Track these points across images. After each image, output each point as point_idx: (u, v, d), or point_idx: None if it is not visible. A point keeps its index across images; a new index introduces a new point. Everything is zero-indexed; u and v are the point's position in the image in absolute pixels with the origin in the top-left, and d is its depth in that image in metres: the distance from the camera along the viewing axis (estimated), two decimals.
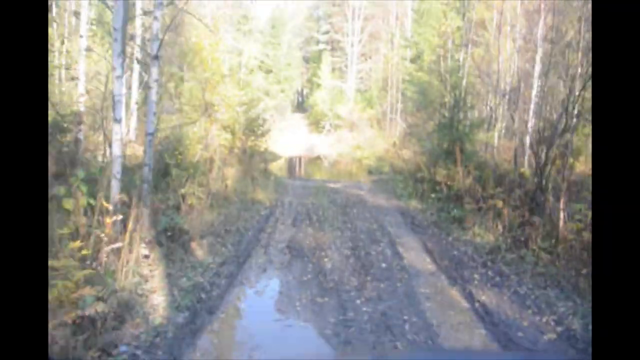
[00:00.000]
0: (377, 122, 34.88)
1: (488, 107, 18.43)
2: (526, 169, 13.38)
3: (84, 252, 5.24)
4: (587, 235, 6.99)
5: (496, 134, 15.76)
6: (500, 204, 9.89)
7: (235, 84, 38.38)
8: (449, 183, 13.08)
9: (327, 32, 52.14)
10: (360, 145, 32.50)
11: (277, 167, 30.55)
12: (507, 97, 16.34)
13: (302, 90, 66.23)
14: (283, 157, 32.98)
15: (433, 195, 13.62)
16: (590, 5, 8.88)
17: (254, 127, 18.46)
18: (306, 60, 59.81)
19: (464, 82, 17.50)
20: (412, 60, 37.40)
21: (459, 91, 15.46)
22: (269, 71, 36.69)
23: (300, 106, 59.77)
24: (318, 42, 53.29)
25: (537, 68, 17.99)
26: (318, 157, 34.70)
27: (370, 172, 26.24)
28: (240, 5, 42.33)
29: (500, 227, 9.70)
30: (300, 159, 33.97)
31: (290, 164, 33.05)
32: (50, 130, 9.39)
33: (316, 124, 42.97)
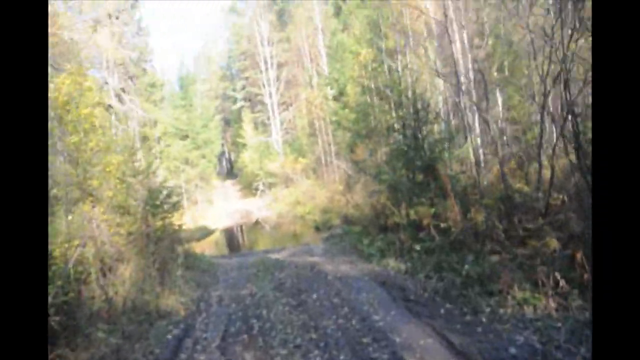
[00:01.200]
0: (313, 171, 30.84)
1: (452, 114, 14.70)
2: (522, 185, 9.58)
3: None
4: None
5: (471, 148, 11.80)
6: (554, 243, 5.72)
7: (149, 156, 33.74)
8: (439, 224, 8.84)
9: (243, 88, 48.58)
10: (300, 200, 28.23)
11: (210, 243, 25.66)
12: (473, 96, 12.70)
13: (229, 156, 62.04)
14: (217, 230, 28.12)
15: (418, 247, 9.28)
16: None
17: (157, 202, 13.76)
18: (227, 122, 55.93)
19: (409, 92, 13.70)
20: (336, 98, 34.16)
21: (412, 101, 11.54)
22: (184, 137, 32.13)
23: (230, 172, 55.34)
24: (236, 100, 49.58)
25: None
26: (256, 223, 30.04)
27: (317, 229, 21.92)
28: (144, 74, 38.18)
29: (566, 285, 5.51)
30: (236, 229, 29.20)
31: (228, 237, 28.18)
32: None
33: (248, 187, 38.54)
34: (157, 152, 32.14)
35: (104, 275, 9.89)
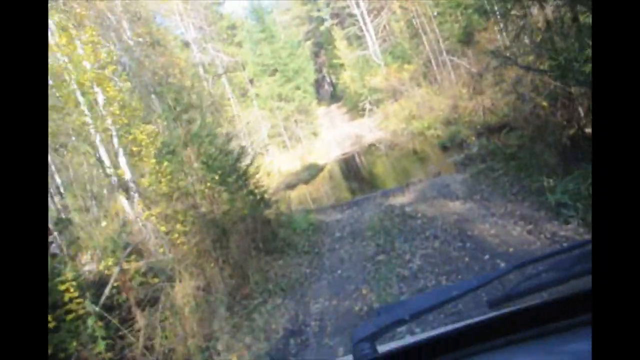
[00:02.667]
0: (424, 76, 25.31)
1: None
2: None
3: None
4: None
5: None
6: None
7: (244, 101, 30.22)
8: None
9: (327, 5, 42.95)
10: (415, 114, 23.17)
11: (321, 182, 21.82)
12: None
13: (330, 79, 57.40)
14: (327, 165, 24.13)
15: None
16: None
17: (236, 168, 9.95)
18: (320, 45, 50.94)
19: None
20: None
21: None
22: (273, 71, 27.92)
23: (334, 96, 50.88)
24: (323, 21, 44.19)
25: None
26: (372, 146, 25.55)
27: (444, 148, 16.99)
28: (220, 18, 34.19)
29: None
30: (349, 158, 24.96)
31: (341, 169, 24.13)
32: None
33: (354, 108, 33.90)
34: (253, 95, 28.48)
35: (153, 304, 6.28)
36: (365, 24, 32.95)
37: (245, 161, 10.77)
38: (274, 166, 23.32)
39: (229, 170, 9.24)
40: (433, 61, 25.75)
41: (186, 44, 31.42)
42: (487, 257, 5.90)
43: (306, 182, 21.30)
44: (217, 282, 6.68)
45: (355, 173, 22.03)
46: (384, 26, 34.04)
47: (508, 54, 10.58)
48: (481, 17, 27.10)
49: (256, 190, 9.77)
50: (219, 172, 8.74)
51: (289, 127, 26.68)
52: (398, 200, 11.23)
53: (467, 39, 26.11)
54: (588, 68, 9.02)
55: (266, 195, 10.74)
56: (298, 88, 28.20)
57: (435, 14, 26.46)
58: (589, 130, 8.85)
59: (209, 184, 8.62)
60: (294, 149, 25.87)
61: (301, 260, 8.17)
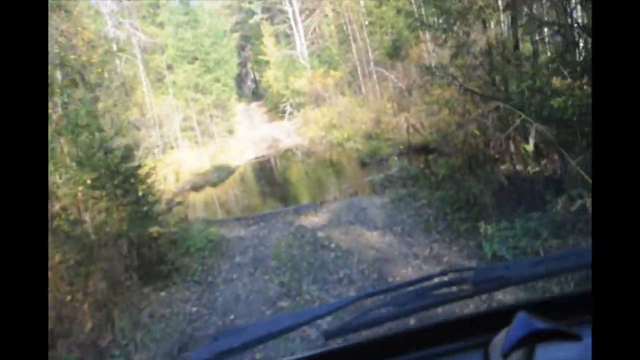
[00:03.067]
0: (349, 85, 24.43)
1: None
2: None
3: None
4: None
5: None
6: None
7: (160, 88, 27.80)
8: None
9: None
10: (335, 123, 22.16)
11: (231, 186, 20.21)
12: None
13: (253, 76, 55.55)
14: (239, 168, 22.51)
15: None
16: None
17: (120, 169, 8.17)
18: (247, 39, 49.03)
19: None
20: None
21: None
22: (193, 59, 25.84)
23: (256, 93, 49.15)
24: (253, 14, 42.44)
25: None
26: (289, 151, 24.22)
27: (363, 164, 16.06)
28: None
29: None
30: (263, 162, 23.46)
31: (253, 173, 22.59)
32: None
33: (275, 109, 32.48)
34: (170, 82, 26.21)
35: None
36: (295, 22, 31.68)
37: (136, 161, 9.07)
38: (181, 163, 21.36)
39: (112, 171, 7.52)
40: (360, 71, 24.96)
41: (99, 14, 28.48)
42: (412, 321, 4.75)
43: (214, 184, 19.59)
44: (69, 325, 5.05)
45: (268, 179, 20.61)
46: (315, 28, 32.97)
47: (443, 73, 9.69)
48: (412, 33, 26.87)
49: (144, 200, 8.08)
50: (95, 173, 7.04)
51: (202, 121, 24.73)
52: (310, 220, 10.00)
53: (395, 52, 25.61)
54: (527, 99, 8.30)
55: (158, 206, 9.06)
56: (218, 80, 26.31)
57: (367, 23, 25.71)
58: (520, 167, 8.10)
59: (81, 188, 6.90)
60: (205, 145, 23.96)
61: (189, 294, 6.64)
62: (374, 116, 18.90)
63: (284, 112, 30.15)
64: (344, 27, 28.72)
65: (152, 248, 7.28)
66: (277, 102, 31.70)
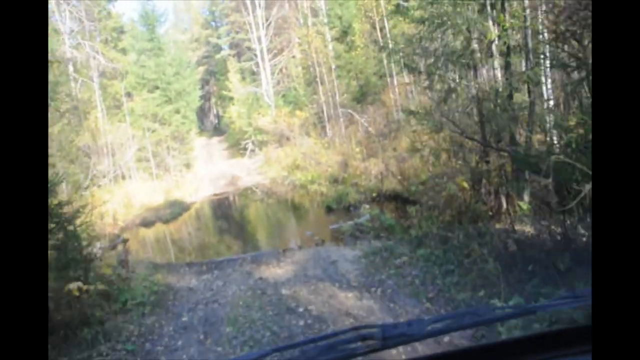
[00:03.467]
0: (314, 126, 23.47)
1: None
2: None
3: None
4: None
5: None
6: None
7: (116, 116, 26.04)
8: None
9: (228, 34, 40.57)
10: (299, 164, 21.03)
11: (182, 223, 18.60)
12: None
13: (216, 111, 54.32)
14: (194, 205, 20.91)
15: None
16: None
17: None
18: (212, 74, 48.01)
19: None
20: (339, 39, 26.66)
21: None
22: (154, 88, 24.40)
23: (218, 129, 47.81)
24: (220, 49, 41.62)
25: None
26: (247, 190, 22.80)
27: (329, 209, 14.91)
28: (108, 17, 29.85)
29: None
30: (222, 200, 21.92)
31: (209, 211, 21.01)
32: None
33: (236, 146, 31.16)
34: (128, 110, 24.56)
35: None
36: (263, 60, 30.82)
37: (65, 195, 7.57)
38: (132, 196, 19.62)
39: None
40: (326, 113, 24.12)
41: (57, 32, 26.78)
42: None
43: (166, 221, 17.93)
44: None
45: (225, 218, 19.07)
46: (282, 68, 32.21)
47: (428, 118, 8.74)
48: (380, 80, 26.41)
49: (70, 243, 6.54)
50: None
51: (159, 153, 23.11)
52: (272, 272, 8.64)
53: (362, 97, 25.02)
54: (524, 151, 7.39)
55: (92, 249, 7.50)
56: (178, 112, 24.87)
57: (335, 66, 25.09)
58: (519, 227, 7.08)
59: None
60: (160, 178, 22.29)
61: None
62: (340, 159, 17.90)
63: (245, 149, 28.87)
64: (311, 69, 28.10)
65: (74, 305, 5.73)
66: (239, 138, 30.44)
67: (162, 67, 24.36)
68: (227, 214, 19.36)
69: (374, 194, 14.48)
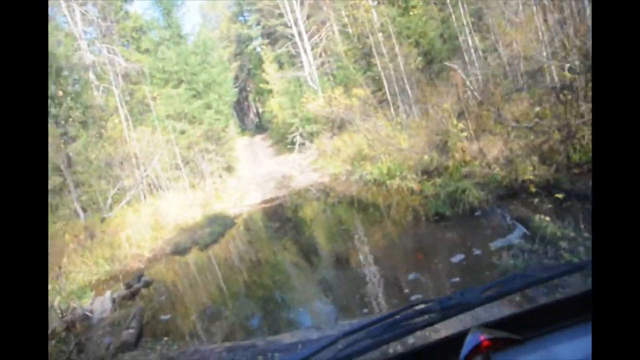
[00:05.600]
0: (378, 106, 17.74)
1: None
2: None
3: None
4: None
5: None
6: None
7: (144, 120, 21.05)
8: None
9: (258, 23, 35.25)
10: (367, 153, 15.46)
11: (225, 248, 13.42)
12: None
13: (256, 109, 49.31)
14: (240, 217, 15.67)
15: None
16: None
17: None
18: (248, 72, 42.95)
19: None
20: (390, 1, 21.05)
21: None
22: (178, 82, 19.27)
23: (260, 127, 42.73)
24: (251, 39, 36.46)
25: None
26: (305, 192, 17.44)
27: (439, 216, 9.27)
28: (126, 17, 24.94)
29: None
30: (275, 208, 16.46)
31: (266, 223, 15.69)
32: None
33: (282, 141, 25.92)
34: (155, 115, 19.57)
35: None
36: (302, 40, 25.24)
37: None
38: (161, 214, 14.59)
39: None
40: (387, 89, 18.41)
41: (72, 38, 22.10)
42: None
43: (204, 245, 12.76)
44: None
45: (286, 233, 13.58)
46: (324, 49, 26.59)
47: None
48: (446, 44, 20.58)
49: None
50: None
51: (191, 158, 17.94)
52: None
53: (427, 65, 19.26)
54: None
55: None
56: (209, 107, 19.70)
57: (392, 32, 19.33)
58: None
59: None
60: (195, 189, 17.14)
61: None
62: (430, 141, 12.18)
63: (293, 143, 23.55)
64: (360, 42, 22.53)
65: None
66: (284, 132, 25.17)
67: (184, 56, 19.21)
68: (286, 228, 13.97)
69: (504, 186, 8.89)
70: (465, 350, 1.06)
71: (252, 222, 15.31)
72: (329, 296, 7.94)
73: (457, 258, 7.10)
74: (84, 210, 17.81)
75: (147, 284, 10.46)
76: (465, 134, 10.67)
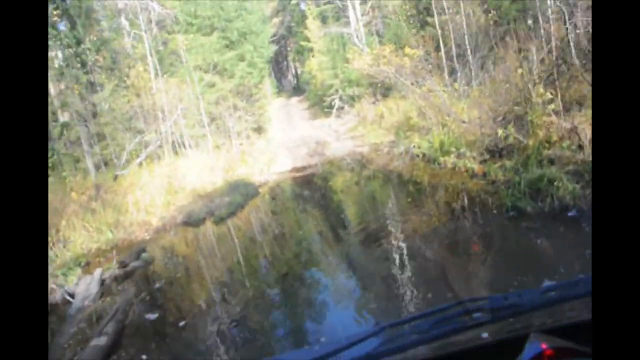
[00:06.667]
0: (437, 67, 15.13)
1: None
2: None
3: None
4: None
5: None
6: None
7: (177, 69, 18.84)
8: None
9: None
10: (416, 123, 13.08)
11: (248, 218, 11.53)
12: None
13: (295, 71, 46.82)
14: (266, 185, 13.68)
15: None
16: None
17: None
18: (289, 30, 40.37)
19: None
20: None
21: None
22: (211, 30, 17.08)
23: (297, 89, 40.36)
24: None
25: None
26: (340, 162, 15.28)
27: (518, 210, 6.89)
28: None
29: None
30: (306, 178, 14.33)
31: (294, 195, 13.70)
32: None
33: (319, 104, 23.62)
34: (179, 61, 17.56)
35: None
36: None
37: None
38: (177, 177, 12.76)
39: None
40: (444, 52, 15.73)
41: None
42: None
43: (220, 218, 10.85)
44: None
45: (318, 208, 11.51)
46: (372, 7, 23.75)
47: None
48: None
49: None
50: None
51: (219, 114, 15.89)
52: None
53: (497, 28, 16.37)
54: None
55: None
56: (242, 59, 17.47)
57: None
58: None
59: None
60: (220, 149, 15.16)
61: None
62: (498, 111, 9.71)
63: (331, 107, 21.24)
64: None
65: None
66: (322, 95, 22.83)
67: (218, 1, 16.87)
68: (316, 201, 11.86)
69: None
70: (524, 358, 0.97)
71: (278, 195, 13.26)
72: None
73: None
74: (106, 164, 16.32)
75: (147, 263, 8.65)
76: (552, 106, 8.18)
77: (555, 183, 6.74)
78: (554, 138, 7.90)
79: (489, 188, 8.15)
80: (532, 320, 1.36)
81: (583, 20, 11.08)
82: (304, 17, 29.76)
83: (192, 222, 10.90)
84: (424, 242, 7.34)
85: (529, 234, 6.13)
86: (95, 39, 18.72)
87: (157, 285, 7.94)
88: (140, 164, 14.38)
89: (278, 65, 46.11)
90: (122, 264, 8.30)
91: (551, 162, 7.52)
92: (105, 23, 22.55)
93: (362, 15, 22.49)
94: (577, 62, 8.63)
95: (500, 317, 1.10)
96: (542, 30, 10.99)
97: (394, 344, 1.10)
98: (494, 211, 7.12)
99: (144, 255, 8.90)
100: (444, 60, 15.77)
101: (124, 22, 20.63)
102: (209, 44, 16.46)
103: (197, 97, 15.15)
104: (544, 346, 0.97)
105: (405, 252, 6.98)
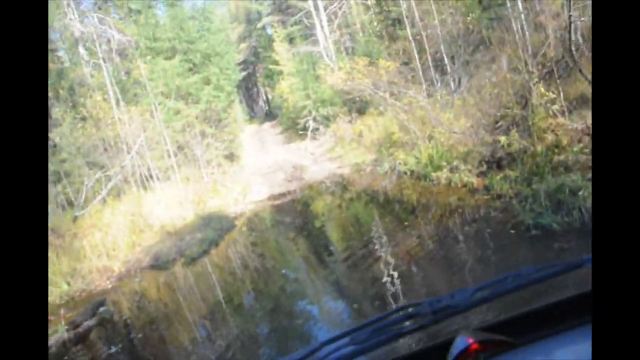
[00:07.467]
0: (415, 78, 14.21)
1: None
2: None
3: None
4: None
5: None
6: None
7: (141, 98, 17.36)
8: None
9: None
10: (398, 138, 12.06)
11: (223, 256, 10.15)
12: None
13: (265, 96, 45.87)
14: (242, 217, 12.36)
15: None
16: None
17: None
18: (257, 55, 39.55)
19: None
20: None
21: None
22: (173, 52, 15.88)
23: (269, 114, 39.29)
24: (260, 16, 32.97)
25: None
26: (319, 186, 14.11)
27: (536, 230, 5.76)
28: None
29: None
30: (285, 206, 13.05)
31: (274, 224, 12.42)
32: None
33: (293, 127, 22.51)
34: (135, 86, 16.29)
35: None
36: (317, 10, 21.67)
37: None
38: (143, 214, 11.37)
39: None
40: (419, 61, 14.88)
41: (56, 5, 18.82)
42: None
43: (191, 259, 9.47)
44: None
45: (295, 240, 10.27)
46: (339, 24, 23.01)
47: None
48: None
49: None
50: None
51: (185, 143, 14.57)
52: None
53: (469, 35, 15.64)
54: None
55: None
56: (207, 82, 16.28)
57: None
58: None
59: None
60: (188, 182, 13.78)
61: None
62: (489, 120, 8.74)
63: (305, 129, 20.14)
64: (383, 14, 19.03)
65: None
66: (295, 117, 21.76)
67: (179, 20, 15.74)
68: (302, 234, 10.61)
69: None
70: (452, 353, 1.00)
71: (256, 227, 11.95)
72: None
73: None
74: (70, 204, 14.81)
75: (104, 321, 7.22)
76: (556, 106, 7.22)
77: (580, 193, 5.69)
78: (564, 142, 6.90)
79: (496, 204, 7.06)
80: (469, 320, 1.27)
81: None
82: (271, 40, 28.94)
83: (160, 264, 9.49)
84: (420, 268, 6.22)
85: (564, 258, 5.05)
86: (52, 71, 17.51)
87: (119, 346, 6.55)
88: (104, 201, 12.93)
89: (248, 91, 45.14)
90: (73, 325, 6.86)
91: (566, 169, 6.50)
92: (63, 53, 21.32)
93: (330, 33, 21.67)
94: (585, 52, 7.72)
95: (439, 319, 1.04)
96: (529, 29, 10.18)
97: (332, 358, 1.06)
98: (512, 231, 6.00)
99: (102, 310, 7.47)
100: (420, 71, 14.90)
101: (82, 51, 19.36)
102: (171, 68, 15.23)
103: (162, 126, 13.83)
104: (470, 340, 0.99)
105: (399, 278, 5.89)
